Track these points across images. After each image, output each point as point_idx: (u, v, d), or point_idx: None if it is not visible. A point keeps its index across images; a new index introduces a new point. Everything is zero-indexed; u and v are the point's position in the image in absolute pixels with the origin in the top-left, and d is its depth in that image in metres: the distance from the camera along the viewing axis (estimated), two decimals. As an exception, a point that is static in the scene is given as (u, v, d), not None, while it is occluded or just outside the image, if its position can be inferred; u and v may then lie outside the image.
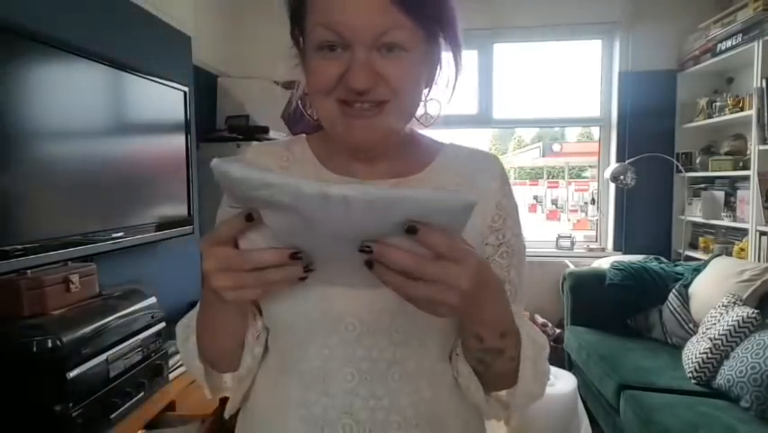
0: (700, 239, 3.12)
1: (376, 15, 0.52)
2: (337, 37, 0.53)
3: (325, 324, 0.58)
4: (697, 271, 2.56)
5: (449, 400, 0.63)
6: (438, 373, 0.62)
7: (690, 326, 2.38)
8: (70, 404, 1.33)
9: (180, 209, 2.23)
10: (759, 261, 2.50)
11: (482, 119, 3.55)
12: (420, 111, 0.64)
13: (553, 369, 2.35)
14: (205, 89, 2.92)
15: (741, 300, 2.14)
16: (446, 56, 0.63)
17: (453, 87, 0.66)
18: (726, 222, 2.83)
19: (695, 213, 3.10)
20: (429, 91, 0.64)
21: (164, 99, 2.17)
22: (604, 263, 2.97)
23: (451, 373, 0.63)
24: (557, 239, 3.59)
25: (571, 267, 3.12)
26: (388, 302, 0.55)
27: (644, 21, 3.19)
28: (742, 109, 2.71)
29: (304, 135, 0.71)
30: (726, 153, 2.89)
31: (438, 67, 0.63)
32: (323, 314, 0.58)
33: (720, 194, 2.91)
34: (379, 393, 0.58)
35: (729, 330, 1.98)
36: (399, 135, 0.63)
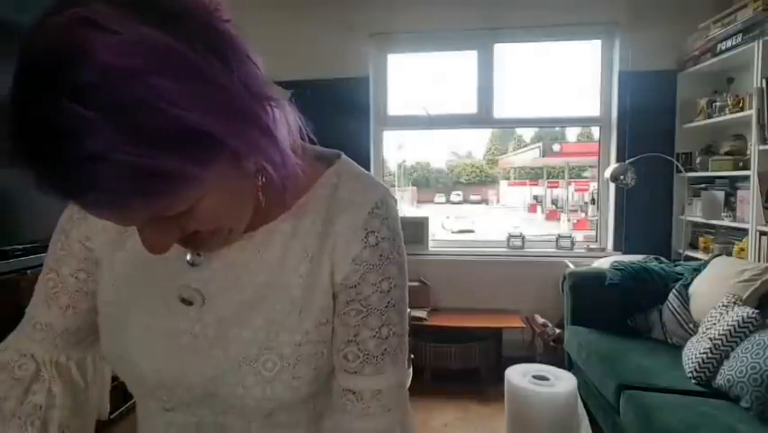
0: (700, 239, 3.12)
1: (120, 221, 0.42)
2: None
3: (142, 389, 0.58)
4: (697, 271, 2.56)
5: None
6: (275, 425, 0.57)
7: (690, 326, 2.38)
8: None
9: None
10: (759, 261, 2.50)
11: (482, 119, 3.55)
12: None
13: (553, 369, 2.35)
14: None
15: (741, 300, 2.14)
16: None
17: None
18: (726, 222, 2.83)
19: (695, 213, 3.10)
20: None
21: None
22: (604, 263, 2.96)
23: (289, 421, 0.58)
24: (557, 239, 3.59)
25: (571, 267, 3.11)
26: (197, 383, 0.54)
27: (644, 21, 3.19)
28: (742, 109, 2.70)
29: None
30: (726, 153, 2.89)
31: (259, 153, 0.46)
32: (137, 380, 0.57)
33: (720, 194, 2.91)
34: None
35: (729, 330, 1.98)
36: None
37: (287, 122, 0.50)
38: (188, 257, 0.55)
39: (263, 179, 0.50)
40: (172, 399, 0.55)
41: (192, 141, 0.38)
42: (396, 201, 0.58)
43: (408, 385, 0.62)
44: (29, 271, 1.52)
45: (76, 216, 0.61)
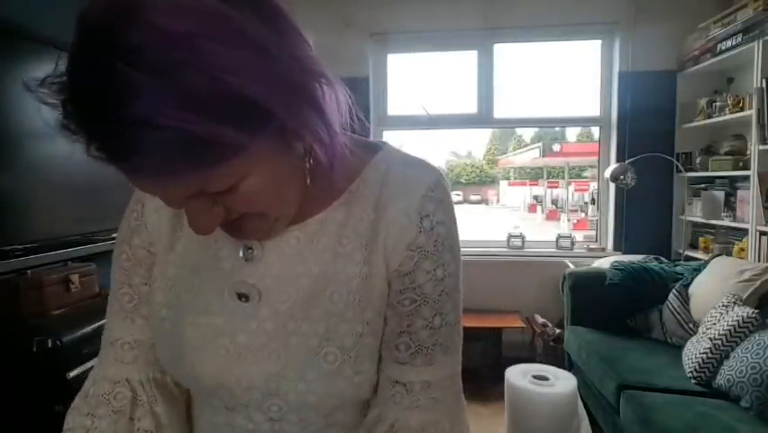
0: (700, 239, 3.12)
1: (165, 192, 0.42)
2: None
3: (201, 390, 0.57)
4: (697, 271, 2.56)
5: None
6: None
7: (690, 326, 2.38)
8: (70, 404, 1.33)
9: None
10: (759, 261, 2.50)
11: (482, 119, 3.56)
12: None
13: (553, 369, 2.35)
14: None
15: (741, 300, 2.14)
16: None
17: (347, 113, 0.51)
18: (726, 222, 2.83)
19: (695, 213, 3.10)
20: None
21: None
22: (604, 263, 2.96)
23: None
24: (557, 239, 3.59)
25: (571, 267, 3.11)
26: (257, 381, 0.52)
27: (644, 21, 3.19)
28: (742, 109, 2.70)
29: None
30: (726, 153, 2.89)
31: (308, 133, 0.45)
32: (195, 382, 0.56)
33: (720, 194, 2.91)
34: None
35: (729, 330, 1.98)
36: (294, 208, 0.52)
37: (336, 101, 0.48)
38: (241, 253, 0.54)
39: (311, 161, 0.49)
40: (231, 400, 0.55)
41: (240, 108, 0.37)
42: (449, 184, 0.57)
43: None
44: (29, 272, 1.52)
45: (133, 223, 0.60)
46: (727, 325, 2.00)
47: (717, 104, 2.90)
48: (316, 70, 0.44)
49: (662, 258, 2.94)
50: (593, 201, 3.69)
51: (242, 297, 0.53)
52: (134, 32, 0.34)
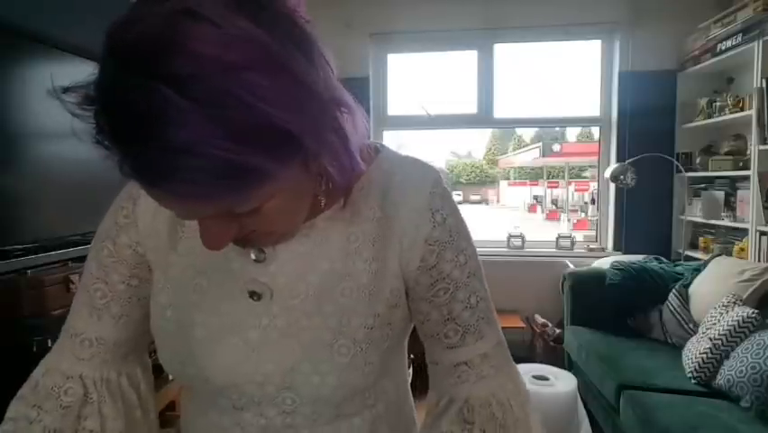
0: (700, 239, 3.12)
1: (187, 212, 0.42)
2: None
3: (209, 390, 0.57)
4: (697, 271, 2.56)
5: None
6: (341, 427, 0.58)
7: (690, 326, 2.38)
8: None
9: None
10: (759, 261, 2.50)
11: (482, 119, 3.56)
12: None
13: (553, 369, 2.35)
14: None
15: (741, 300, 2.14)
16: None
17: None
18: (726, 222, 2.83)
19: (695, 213, 3.10)
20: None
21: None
22: (604, 263, 2.97)
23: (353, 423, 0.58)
24: (557, 239, 3.59)
25: (571, 267, 3.12)
26: (271, 376, 0.53)
27: (644, 21, 3.19)
28: (742, 109, 2.71)
29: None
30: (726, 153, 2.89)
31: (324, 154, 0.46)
32: (204, 382, 0.56)
33: (720, 194, 2.91)
34: None
35: (729, 330, 1.98)
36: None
37: (354, 126, 0.50)
38: (252, 255, 0.55)
39: (330, 185, 0.50)
40: (242, 398, 0.55)
41: (276, 138, 0.38)
42: (448, 181, 0.60)
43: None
44: (29, 272, 1.52)
45: (122, 220, 0.60)
46: (727, 325, 2.00)
47: (717, 104, 2.90)
48: (341, 99, 0.46)
49: (662, 258, 2.94)
50: (593, 201, 3.70)
51: (254, 295, 0.54)
52: (182, 60, 0.34)
